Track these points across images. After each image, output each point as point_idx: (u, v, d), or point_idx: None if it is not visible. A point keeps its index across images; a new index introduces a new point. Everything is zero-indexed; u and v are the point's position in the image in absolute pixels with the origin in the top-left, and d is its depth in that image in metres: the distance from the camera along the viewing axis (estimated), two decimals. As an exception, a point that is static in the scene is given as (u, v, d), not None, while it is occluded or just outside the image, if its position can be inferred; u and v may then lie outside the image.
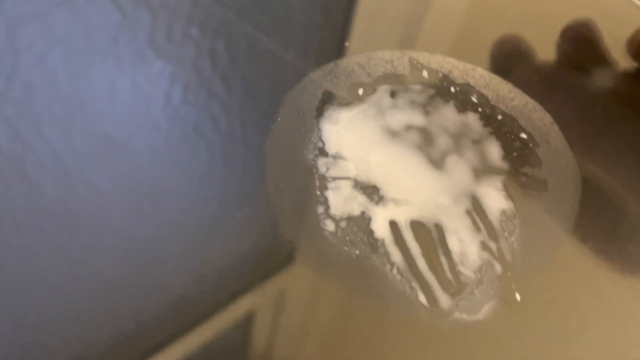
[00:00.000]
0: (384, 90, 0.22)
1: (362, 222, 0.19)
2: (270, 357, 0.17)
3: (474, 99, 0.22)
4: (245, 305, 0.17)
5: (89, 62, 0.21)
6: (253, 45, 0.23)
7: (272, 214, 0.19)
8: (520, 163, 0.20)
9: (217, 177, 0.20)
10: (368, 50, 0.23)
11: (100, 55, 0.22)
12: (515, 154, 0.20)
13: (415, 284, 0.18)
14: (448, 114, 0.21)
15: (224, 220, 0.19)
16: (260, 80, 0.22)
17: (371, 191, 0.19)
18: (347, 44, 0.23)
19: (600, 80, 0.23)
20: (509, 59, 0.23)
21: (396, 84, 0.22)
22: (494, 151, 0.20)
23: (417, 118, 0.21)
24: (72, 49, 0.22)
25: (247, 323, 0.17)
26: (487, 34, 0.25)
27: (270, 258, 0.18)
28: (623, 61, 0.23)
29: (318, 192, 0.19)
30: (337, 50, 0.23)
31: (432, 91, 0.22)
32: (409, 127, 0.21)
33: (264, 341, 0.17)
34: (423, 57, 0.23)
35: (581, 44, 0.22)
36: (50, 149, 0.19)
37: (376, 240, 0.18)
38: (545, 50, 0.24)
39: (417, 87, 0.22)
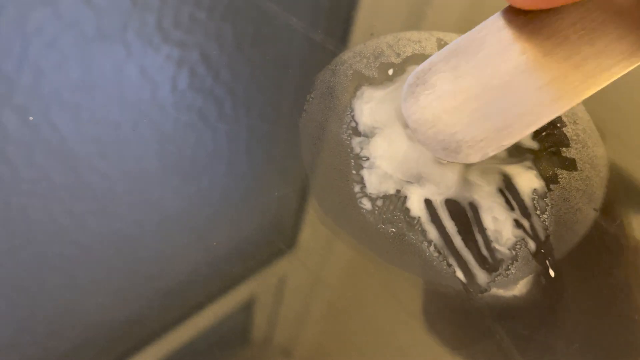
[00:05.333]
0: (413, 70, 0.22)
1: (398, 200, 0.19)
2: (271, 340, 0.17)
3: (502, 80, 0.22)
4: (247, 292, 0.18)
5: (98, 48, 0.21)
6: (282, 26, 0.23)
7: (309, 192, 0.19)
8: (549, 142, 0.20)
9: (254, 157, 0.20)
10: (394, 31, 0.23)
11: (110, 40, 0.21)
12: (544, 133, 0.21)
13: (452, 261, 0.18)
14: (477, 94, 0.21)
15: (231, 207, 0.19)
16: (290, 61, 0.22)
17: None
18: (374, 24, 0.23)
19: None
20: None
21: (425, 65, 0.22)
22: (523, 131, 0.21)
23: (448, 98, 0.21)
24: (81, 35, 0.21)
25: (248, 308, 0.18)
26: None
27: (271, 245, 0.18)
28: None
29: (354, 172, 0.19)
30: (366, 30, 0.23)
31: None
32: (440, 107, 0.21)
33: (265, 325, 0.17)
34: (450, 37, 0.23)
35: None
36: (58, 134, 0.19)
37: (412, 218, 0.19)
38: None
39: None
